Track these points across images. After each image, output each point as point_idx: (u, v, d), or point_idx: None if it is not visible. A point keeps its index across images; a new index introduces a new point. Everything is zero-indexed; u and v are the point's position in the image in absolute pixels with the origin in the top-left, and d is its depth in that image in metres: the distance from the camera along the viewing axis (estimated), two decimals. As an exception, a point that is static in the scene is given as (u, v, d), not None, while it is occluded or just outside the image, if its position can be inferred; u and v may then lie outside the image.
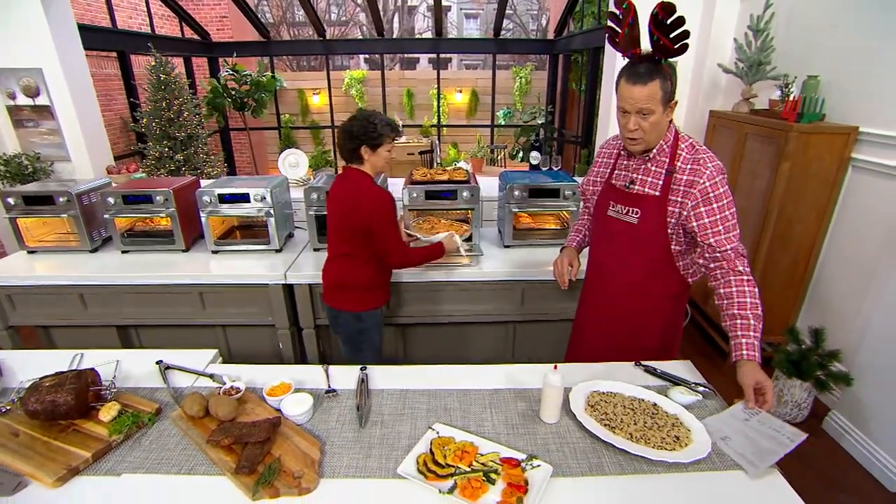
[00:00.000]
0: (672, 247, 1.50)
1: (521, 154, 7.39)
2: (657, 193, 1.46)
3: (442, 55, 7.91)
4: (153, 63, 4.69)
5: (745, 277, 1.37)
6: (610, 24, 1.40)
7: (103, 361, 1.51)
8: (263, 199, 2.41)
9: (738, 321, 1.33)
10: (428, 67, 9.87)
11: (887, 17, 2.29)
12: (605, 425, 1.23)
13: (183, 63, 6.88)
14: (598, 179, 1.67)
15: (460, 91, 8.66)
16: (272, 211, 2.42)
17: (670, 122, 1.45)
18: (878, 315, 2.21)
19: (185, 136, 4.87)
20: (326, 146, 8.81)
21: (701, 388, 1.39)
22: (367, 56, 9.37)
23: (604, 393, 1.35)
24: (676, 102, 1.40)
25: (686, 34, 1.29)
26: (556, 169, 4.03)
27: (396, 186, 3.32)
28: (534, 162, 4.07)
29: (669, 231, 1.47)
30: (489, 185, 3.63)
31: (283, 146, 8.18)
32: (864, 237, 2.42)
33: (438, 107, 8.39)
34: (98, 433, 1.19)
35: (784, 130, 2.52)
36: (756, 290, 1.36)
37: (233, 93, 6.54)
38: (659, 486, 1.08)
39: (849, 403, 2.36)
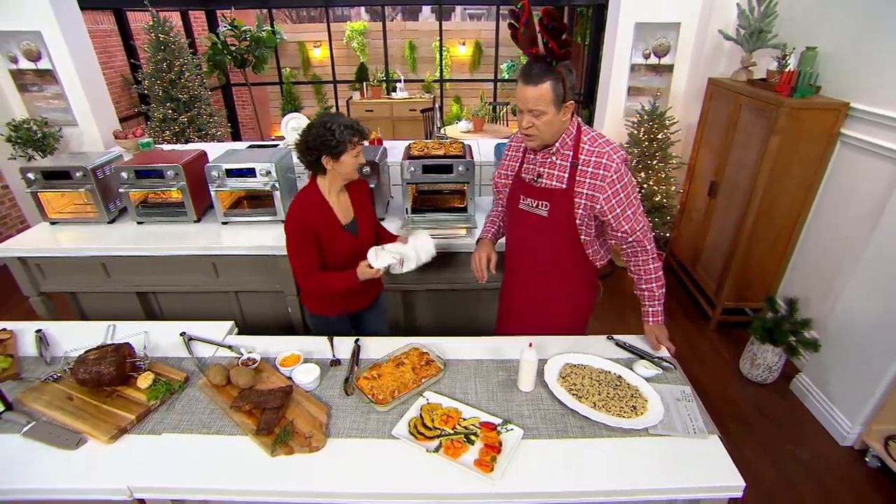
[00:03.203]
0: (581, 237, 1.59)
1: (524, 111, 7.30)
2: (563, 186, 1.53)
3: (445, 5, 7.66)
4: (151, 22, 4.63)
5: (652, 255, 1.61)
6: (510, 20, 1.41)
7: (133, 333, 1.70)
8: (268, 173, 2.52)
9: (646, 293, 1.64)
10: (431, 17, 9.52)
11: (887, -9, 2.27)
12: (573, 394, 1.42)
13: (180, 17, 6.72)
14: (509, 173, 1.71)
15: (463, 43, 8.41)
16: (277, 185, 2.54)
17: (572, 115, 1.49)
18: (849, 287, 2.35)
19: (188, 97, 4.88)
20: (329, 101, 8.72)
21: (664, 364, 1.55)
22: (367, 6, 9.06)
23: (575, 365, 1.53)
24: (573, 103, 1.44)
25: (569, 41, 1.32)
26: (555, 134, 4.06)
27: (396, 150, 3.40)
28: (534, 126, 4.09)
29: (578, 222, 1.55)
30: (489, 149, 3.69)
31: (285, 102, 8.11)
32: (847, 213, 2.52)
33: (441, 60, 8.20)
34: (138, 398, 1.39)
35: (776, 105, 2.56)
36: (660, 263, 1.63)
37: (232, 49, 6.44)
38: (613, 448, 1.28)
39: (815, 367, 2.55)
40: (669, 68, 3.74)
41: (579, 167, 1.50)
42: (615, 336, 1.70)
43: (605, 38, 3.97)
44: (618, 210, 1.50)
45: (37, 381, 1.48)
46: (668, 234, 3.81)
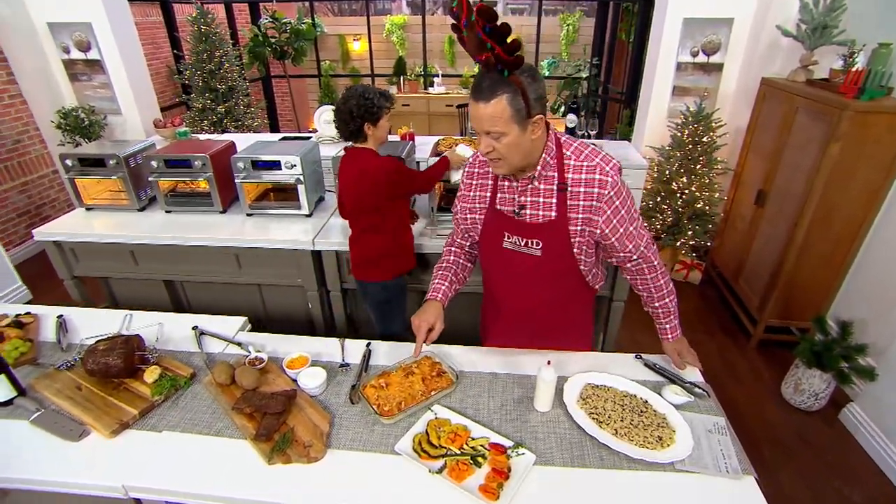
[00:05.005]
0: (581, 267, 1.40)
1: (562, 108, 7.10)
2: (553, 215, 1.30)
3: (486, -1, 7.51)
4: (195, 14, 4.72)
5: (660, 269, 1.43)
6: (452, 21, 1.13)
7: (148, 324, 1.70)
8: (293, 166, 2.50)
9: (661, 310, 1.47)
10: (471, 11, 9.41)
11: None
12: (594, 419, 1.30)
13: (224, 10, 6.87)
14: (478, 206, 1.42)
15: (504, 38, 8.28)
16: (302, 178, 2.51)
17: (548, 127, 1.26)
18: (914, 312, 2.12)
19: (226, 87, 4.97)
20: (365, 95, 8.75)
21: (697, 390, 1.41)
22: (408, -1, 9.04)
23: (598, 386, 1.41)
24: (542, 117, 1.18)
25: (517, 44, 1.07)
26: (592, 133, 3.90)
27: (427, 147, 3.34)
28: (570, 125, 3.95)
29: (576, 250, 1.34)
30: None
31: (322, 95, 8.18)
32: (916, 228, 2.28)
33: (480, 55, 8.08)
34: (143, 393, 1.38)
35: (839, 108, 2.33)
36: (668, 275, 1.46)
37: (272, 41, 6.53)
38: (635, 483, 1.16)
39: (870, 398, 2.33)
40: (719, 67, 3.51)
41: (569, 189, 1.27)
42: (644, 356, 1.57)
43: (651, 34, 3.77)
44: (621, 230, 1.30)
45: (51, 367, 1.49)
46: (709, 244, 3.59)
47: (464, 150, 2.21)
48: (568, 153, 1.28)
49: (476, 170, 1.43)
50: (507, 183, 1.35)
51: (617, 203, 1.27)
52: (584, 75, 6.98)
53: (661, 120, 3.74)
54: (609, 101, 6.23)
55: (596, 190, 1.25)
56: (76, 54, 4.11)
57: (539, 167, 1.27)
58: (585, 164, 1.26)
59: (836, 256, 2.66)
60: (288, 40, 6.62)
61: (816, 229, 2.60)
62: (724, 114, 3.52)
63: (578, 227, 1.30)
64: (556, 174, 1.28)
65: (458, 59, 8.59)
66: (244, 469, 1.19)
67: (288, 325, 2.76)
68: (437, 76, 7.84)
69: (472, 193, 1.44)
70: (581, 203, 1.27)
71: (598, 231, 1.30)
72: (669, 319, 1.48)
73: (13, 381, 1.38)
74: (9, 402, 1.37)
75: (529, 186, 1.31)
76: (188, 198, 2.68)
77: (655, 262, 1.41)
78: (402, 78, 7.93)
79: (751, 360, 2.92)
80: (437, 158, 2.24)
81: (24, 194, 4.19)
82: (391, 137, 2.75)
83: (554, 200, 1.29)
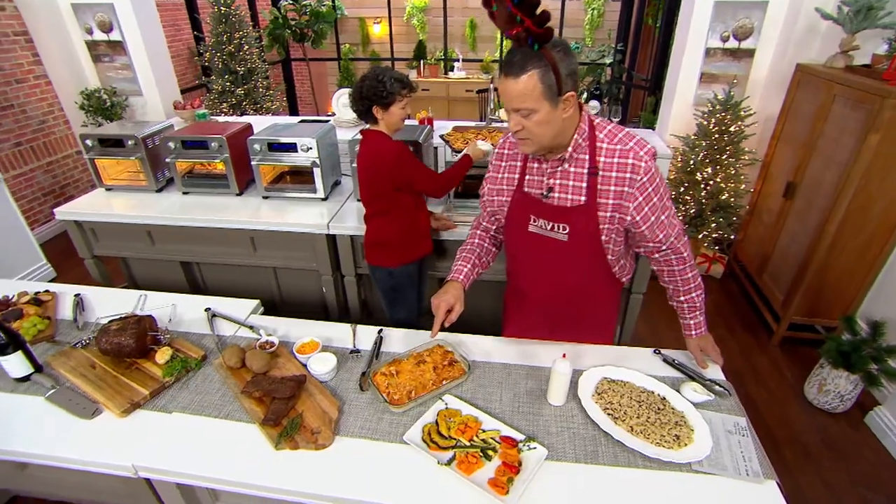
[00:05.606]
0: (609, 257, 1.35)
1: (585, 95, 6.93)
2: (583, 199, 1.25)
3: (509, -19, 7.33)
4: (215, -6, 4.71)
5: (689, 262, 1.37)
6: None
7: (161, 304, 1.71)
8: (309, 149, 2.47)
9: (686, 304, 1.42)
10: (493, -6, 9.22)
11: None
12: (609, 414, 1.27)
13: (245, -9, 6.84)
14: (506, 188, 1.38)
15: (526, 22, 8.09)
16: (318, 161, 2.49)
17: (581, 108, 1.20)
18: (952, 313, 2.01)
19: (246, 70, 4.96)
20: (384, 79, 8.67)
21: (717, 388, 1.36)
22: (430, -20, 8.87)
23: (614, 381, 1.37)
24: (574, 94, 1.13)
25: (547, 15, 1.01)
26: (615, 120, 3.79)
27: (444, 131, 3.27)
28: (592, 112, 3.84)
29: (604, 238, 1.29)
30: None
31: (342, 78, 8.14)
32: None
33: (501, 40, 7.91)
34: (154, 373, 1.38)
35: (881, 96, 2.20)
36: (696, 269, 1.40)
37: (292, 24, 6.49)
38: (649, 483, 1.12)
39: (899, 401, 2.23)
40: (750, 53, 3.35)
41: (600, 174, 1.22)
42: (663, 351, 1.52)
43: (679, 18, 3.61)
44: (652, 218, 1.25)
45: (67, 345, 1.51)
46: (732, 237, 3.48)
47: (484, 145, 2.16)
48: (601, 136, 1.23)
49: (506, 151, 1.39)
50: (536, 165, 1.31)
51: (650, 190, 1.22)
52: (608, 61, 6.79)
53: (686, 108, 3.60)
54: (633, 87, 6.07)
55: (628, 175, 1.20)
56: (99, 35, 4.13)
57: (570, 149, 1.22)
58: (619, 147, 1.21)
59: (870, 253, 2.55)
60: (308, 23, 6.58)
61: (850, 223, 2.48)
62: (753, 102, 3.38)
63: (608, 214, 1.25)
64: (587, 157, 1.23)
65: (478, 43, 8.43)
66: (251, 453, 1.18)
67: (302, 308, 2.76)
68: (458, 61, 7.73)
69: (500, 175, 1.40)
70: (612, 188, 1.22)
71: (629, 218, 1.25)
72: (695, 315, 1.42)
73: (30, 358, 1.40)
74: (26, 378, 1.39)
75: (559, 169, 1.26)
76: (205, 179, 2.69)
77: (685, 254, 1.35)
78: (422, 62, 7.83)
79: (773, 357, 2.83)
80: (450, 149, 2.20)
81: (49, 174, 4.26)
82: (410, 122, 2.71)
83: (584, 184, 1.24)
